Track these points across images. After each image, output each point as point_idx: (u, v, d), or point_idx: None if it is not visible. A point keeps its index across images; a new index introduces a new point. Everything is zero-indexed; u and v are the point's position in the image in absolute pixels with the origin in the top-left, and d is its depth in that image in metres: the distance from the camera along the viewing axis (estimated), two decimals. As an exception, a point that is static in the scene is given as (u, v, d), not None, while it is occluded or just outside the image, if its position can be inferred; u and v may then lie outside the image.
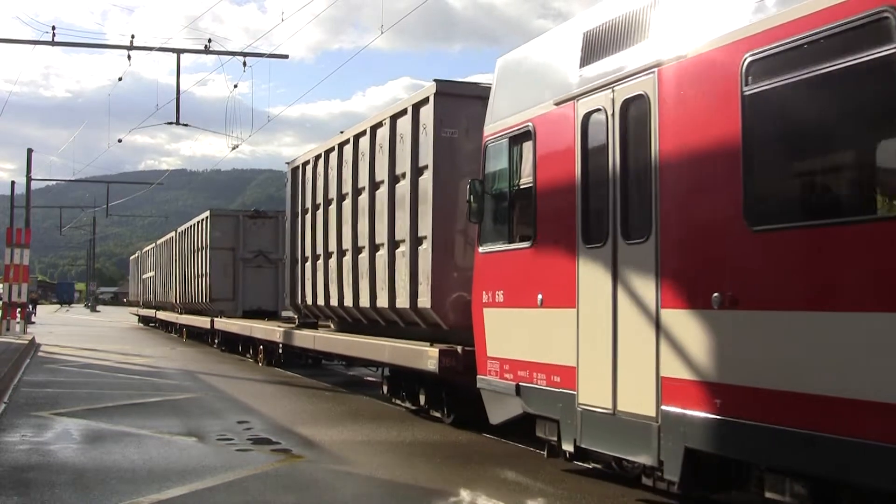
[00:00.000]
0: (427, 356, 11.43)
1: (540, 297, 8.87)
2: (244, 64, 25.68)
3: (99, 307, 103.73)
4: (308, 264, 16.95)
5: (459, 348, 11.18)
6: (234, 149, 30.35)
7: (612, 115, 7.89)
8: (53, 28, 24.40)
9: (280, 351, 18.94)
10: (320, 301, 16.21)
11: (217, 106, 33.15)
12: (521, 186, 9.48)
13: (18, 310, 32.83)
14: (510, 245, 9.60)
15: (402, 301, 12.55)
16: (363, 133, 14.19)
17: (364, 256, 14.00)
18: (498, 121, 9.92)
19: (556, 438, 8.66)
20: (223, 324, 25.57)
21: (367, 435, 11.67)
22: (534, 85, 9.44)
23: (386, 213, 13.09)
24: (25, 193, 41.43)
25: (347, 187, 14.76)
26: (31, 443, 10.60)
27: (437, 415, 12.65)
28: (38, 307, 68.71)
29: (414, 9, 18.56)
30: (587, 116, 8.24)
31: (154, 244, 44.36)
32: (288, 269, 18.25)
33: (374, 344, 13.27)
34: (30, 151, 41.09)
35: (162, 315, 41.02)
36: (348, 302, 14.69)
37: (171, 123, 27.94)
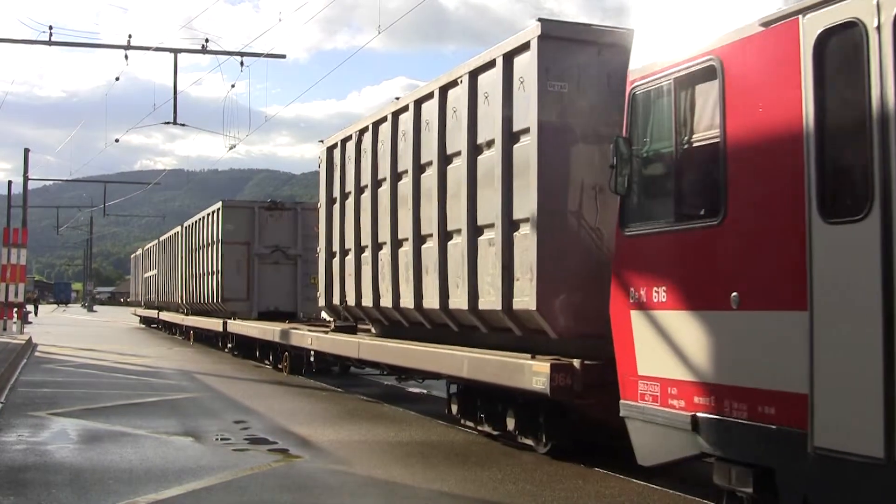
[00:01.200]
0: (531, 372, 8.77)
1: (735, 295, 6.21)
2: (241, 63, 25.61)
3: (96, 307, 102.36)
4: (349, 258, 14.24)
5: (576, 362, 8.53)
6: (231, 148, 30.42)
7: (877, 28, 5.25)
8: (50, 28, 24.17)
9: (311, 359, 16.19)
10: (365, 301, 13.49)
11: (213, 106, 33.77)
12: (697, 143, 6.81)
13: (15, 310, 32.32)
14: (678, 225, 6.93)
15: (490, 301, 9.85)
16: (428, 97, 11.49)
17: (431, 247, 11.30)
18: (652, 59, 7.27)
19: (750, 489, 6.12)
20: (239, 326, 22.79)
21: (364, 435, 11.48)
22: (714, 5, 6.82)
23: (463, 193, 10.39)
24: (23, 193, 39.61)
25: (405, 164, 12.05)
26: (28, 443, 10.45)
27: (528, 442, 9.99)
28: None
29: (411, 9, 18.77)
30: (826, 36, 5.59)
31: (157, 241, 41.52)
32: (322, 265, 15.50)
33: (447, 355, 10.57)
34: (27, 151, 39.22)
35: (165, 316, 38.20)
36: (406, 302, 11.99)
37: (168, 123, 28.13)
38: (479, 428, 11.05)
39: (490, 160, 9.93)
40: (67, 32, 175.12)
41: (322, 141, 15.63)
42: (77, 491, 7.87)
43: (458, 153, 10.61)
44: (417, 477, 8.78)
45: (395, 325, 13.10)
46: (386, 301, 12.67)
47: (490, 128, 9.93)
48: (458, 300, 10.55)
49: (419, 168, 11.67)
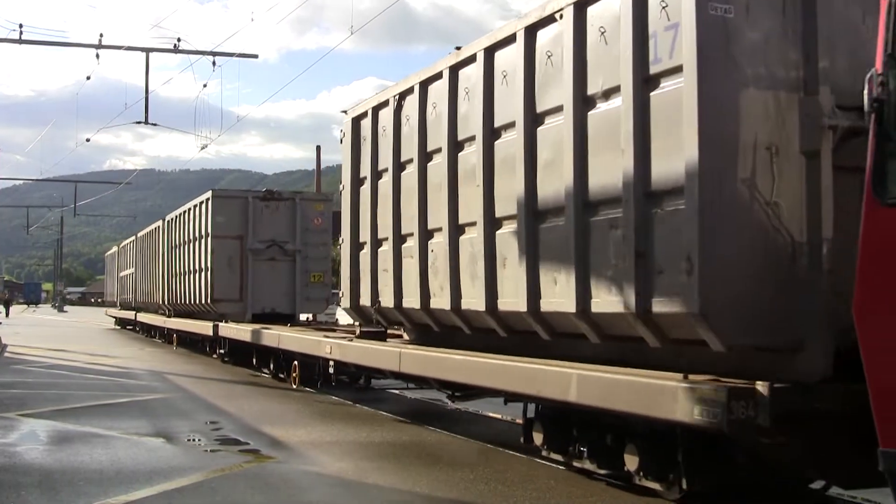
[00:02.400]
0: (688, 399, 6.24)
1: None
2: (213, 63, 25.89)
3: (66, 307, 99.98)
4: (384, 249, 11.57)
5: (762, 386, 6.02)
6: (202, 148, 30.31)
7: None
8: (21, 26, 23.78)
9: (331, 371, 13.46)
10: (409, 302, 10.84)
11: (183, 105, 33.59)
12: None
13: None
14: None
15: (611, 302, 7.23)
16: (505, 42, 8.87)
17: (509, 233, 8.70)
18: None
19: None
20: (233, 330, 19.94)
21: (336, 435, 11.26)
22: None
23: (567, 160, 7.78)
24: (-8, 193, 37.14)
25: (470, 128, 9.44)
26: (-3, 445, 10.29)
27: (653, 486, 7.44)
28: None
29: (383, 10, 18.08)
30: None
31: (134, 237, 38.46)
32: (346, 259, 12.78)
33: (545, 371, 7.92)
34: (-5, 151, 36.59)
35: (144, 317, 35.17)
36: (471, 303, 9.36)
37: (139, 123, 28.24)
38: (574, 464, 8.47)
39: (610, 115, 7.35)
40: (37, 31, 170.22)
41: (346, 111, 12.94)
42: (47, 492, 7.72)
43: (557, 109, 8.01)
44: (389, 477, 8.67)
45: (446, 331, 10.48)
46: (440, 302, 10.03)
47: (610, 73, 7.35)
48: (558, 301, 7.94)
49: (492, 133, 9.05)
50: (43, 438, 10.83)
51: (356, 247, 12.52)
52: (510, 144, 8.70)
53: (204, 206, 22.61)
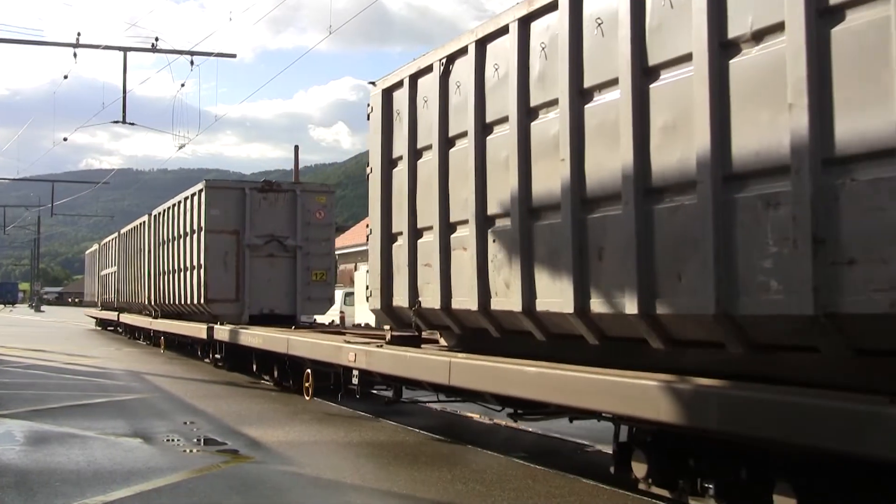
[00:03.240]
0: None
1: None
2: (192, 63, 26.08)
3: (43, 307, 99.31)
4: (427, 240, 9.80)
5: None
6: (180, 148, 30.57)
7: None
8: None
9: (354, 381, 11.62)
10: (460, 302, 9.05)
11: (160, 105, 33.31)
12: None
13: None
14: None
15: (772, 303, 5.53)
16: (599, -17, 7.16)
17: (605, 217, 6.96)
18: None
19: None
20: (235, 334, 18.02)
21: (314, 436, 11.09)
22: None
23: (701, 119, 6.07)
24: (-32, 193, 35.92)
25: (549, 92, 7.67)
26: (-27, 446, 10.00)
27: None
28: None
29: (362, 10, 18.12)
30: None
31: (116, 234, 36.31)
32: (376, 252, 10.95)
33: (678, 391, 6.20)
34: (-27, 151, 34.90)
35: (128, 318, 33.07)
36: (552, 304, 7.61)
37: (116, 122, 28.34)
38: (689, 501, 6.75)
39: (766, 61, 5.63)
40: (11, 29, 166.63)
41: (374, 82, 11.13)
42: (23, 493, 7.61)
43: (681, 60, 6.28)
44: (367, 477, 8.61)
45: (507, 336, 8.73)
46: (505, 302, 8.26)
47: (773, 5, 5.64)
48: (684, 301, 6.21)
49: (581, 95, 7.30)
50: (19, 439, 10.62)
51: (388, 239, 10.73)
52: (608, 108, 6.96)
53: (196, 198, 20.68)
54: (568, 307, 7.31)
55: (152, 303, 27.02)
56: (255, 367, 17.52)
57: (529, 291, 7.90)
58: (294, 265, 20.09)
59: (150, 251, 27.10)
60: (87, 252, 54.05)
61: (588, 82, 7.24)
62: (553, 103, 7.63)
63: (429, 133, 9.75)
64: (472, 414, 12.88)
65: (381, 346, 10.86)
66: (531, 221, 7.91)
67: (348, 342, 11.92)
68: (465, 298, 8.97)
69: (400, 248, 10.44)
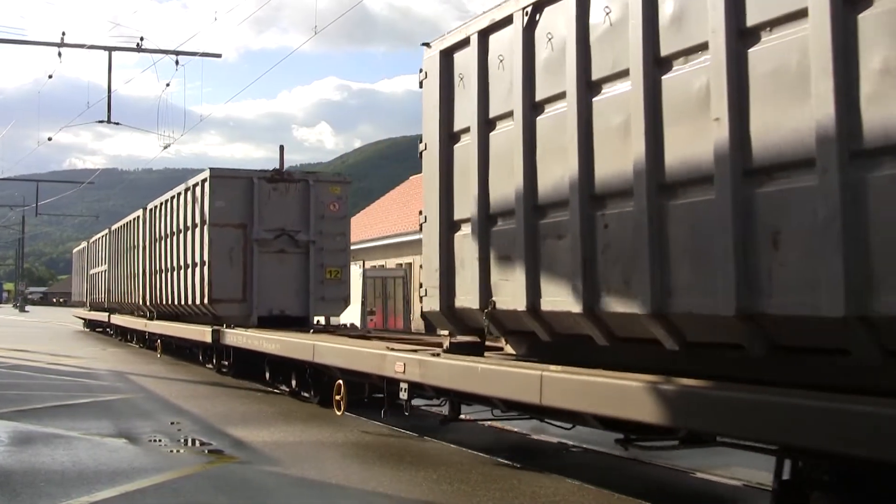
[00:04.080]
0: None
1: None
2: (176, 63, 25.85)
3: (28, 307, 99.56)
4: (503, 229, 8.03)
5: None
6: (165, 148, 30.21)
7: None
8: None
9: (404, 396, 9.81)
10: (554, 303, 7.30)
11: (143, 104, 32.79)
12: None
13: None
14: None
15: None
16: None
17: (775, 193, 5.23)
18: None
19: None
20: (243, 338, 16.18)
21: (299, 436, 10.85)
22: None
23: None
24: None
25: (686, 37, 5.94)
26: (-43, 447, 9.87)
27: None
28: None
29: (347, 10, 18.24)
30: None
31: (107, 230, 34.35)
32: (433, 245, 9.16)
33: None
34: (-43, 150, 34.11)
35: (120, 320, 31.08)
36: (695, 306, 5.89)
37: (101, 122, 28.25)
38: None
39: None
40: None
41: (428, 44, 9.37)
42: (7, 493, 7.45)
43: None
44: (352, 477, 8.43)
45: (619, 344, 7.00)
46: (622, 303, 6.53)
47: None
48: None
49: (739, 35, 5.58)
50: (3, 439, 10.47)
51: (448, 227, 8.96)
52: (787, 48, 5.24)
53: (199, 188, 18.80)
54: (728, 309, 5.58)
55: (147, 303, 25.13)
56: (268, 374, 15.69)
57: (660, 289, 6.17)
58: (306, 262, 18.25)
59: (144, 248, 25.18)
60: (74, 250, 51.92)
61: (751, 20, 5.51)
62: (698, 50, 5.91)
63: (506, 98, 8.00)
64: (545, 437, 11.15)
65: (439, 354, 9.10)
66: (664, 200, 6.17)
67: (392, 350, 10.15)
68: (560, 298, 7.22)
69: (465, 238, 8.68)
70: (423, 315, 9.45)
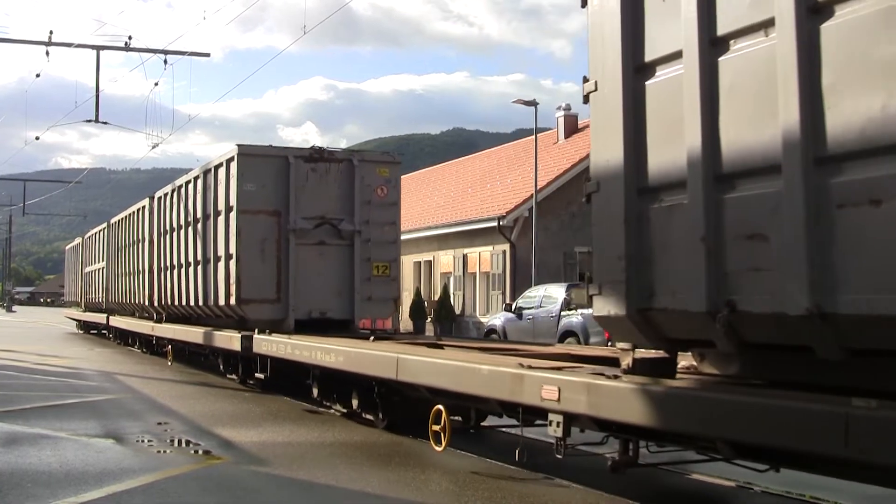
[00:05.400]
0: None
1: None
2: (165, 62, 26.25)
3: (15, 307, 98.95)
4: (746, 195, 5.37)
5: None
6: (153, 147, 30.43)
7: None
8: None
9: (555, 432, 7.00)
10: (860, 304, 4.74)
11: (130, 104, 32.91)
12: None
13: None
14: None
15: None
16: None
17: None
18: None
19: None
20: (291, 347, 13.16)
21: (287, 436, 10.75)
22: None
23: None
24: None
25: None
26: (-58, 447, 9.61)
27: None
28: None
29: (335, 11, 19.42)
30: None
31: (105, 224, 31.44)
32: (610, 221, 6.47)
33: None
34: (-60, 148, 32.81)
35: (120, 322, 28.19)
36: None
37: (89, 121, 28.51)
38: None
39: None
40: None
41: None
42: None
43: None
44: (341, 478, 8.19)
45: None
46: None
47: None
48: None
49: None
50: None
51: (636, 198, 6.31)
52: None
53: (224, 169, 16.00)
54: None
55: (154, 304, 22.35)
56: (315, 391, 12.96)
57: None
58: (351, 255, 15.55)
59: (152, 242, 22.35)
60: (67, 247, 48.93)
61: None
62: None
63: (754, 5, 5.39)
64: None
65: (619, 376, 6.47)
66: None
67: (531, 367, 7.49)
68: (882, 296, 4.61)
69: (668, 211, 6.04)
70: (597, 319, 6.77)
